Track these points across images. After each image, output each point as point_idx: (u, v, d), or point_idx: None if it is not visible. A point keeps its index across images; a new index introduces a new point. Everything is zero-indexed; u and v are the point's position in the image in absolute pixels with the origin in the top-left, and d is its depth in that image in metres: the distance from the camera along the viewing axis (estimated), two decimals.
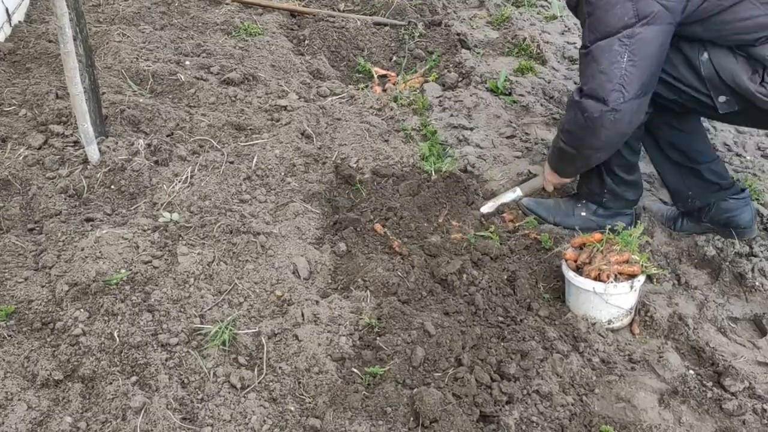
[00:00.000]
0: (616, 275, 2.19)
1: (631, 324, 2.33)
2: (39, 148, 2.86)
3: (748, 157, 3.29)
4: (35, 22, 4.02)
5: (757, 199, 2.97)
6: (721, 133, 3.49)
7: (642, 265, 2.22)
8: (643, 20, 2.17)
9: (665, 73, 2.34)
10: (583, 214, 2.76)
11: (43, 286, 2.21)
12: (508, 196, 2.84)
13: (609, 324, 2.27)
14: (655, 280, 2.48)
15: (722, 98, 2.32)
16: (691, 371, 2.15)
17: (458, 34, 4.32)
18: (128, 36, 3.87)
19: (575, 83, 3.86)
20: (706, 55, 2.30)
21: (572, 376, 2.08)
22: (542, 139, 3.33)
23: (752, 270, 2.56)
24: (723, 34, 2.25)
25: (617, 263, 2.20)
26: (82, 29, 2.70)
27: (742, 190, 2.71)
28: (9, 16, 3.78)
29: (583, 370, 2.10)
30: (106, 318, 2.06)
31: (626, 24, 2.18)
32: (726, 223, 2.68)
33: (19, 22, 3.93)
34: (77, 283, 2.17)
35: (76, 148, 2.84)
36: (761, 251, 2.65)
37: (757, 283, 2.52)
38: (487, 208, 2.79)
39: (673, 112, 2.52)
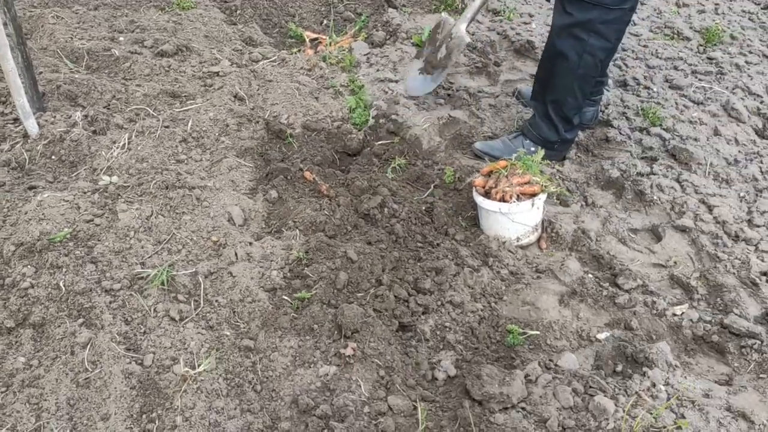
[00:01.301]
0: (518, 195, 2.41)
1: (539, 240, 2.56)
2: None
3: (654, 89, 3.53)
4: None
5: (660, 125, 3.22)
6: (632, 70, 3.73)
7: (542, 185, 2.44)
8: None
9: None
10: (533, 149, 2.85)
11: None
12: (473, 6, 3.06)
13: (518, 241, 2.50)
14: (556, 198, 2.70)
15: None
16: (590, 275, 2.40)
17: None
18: (62, 18, 3.96)
19: (498, 33, 4.07)
20: None
21: (483, 287, 2.31)
22: (464, 87, 3.53)
23: (651, 186, 2.81)
24: None
25: (519, 185, 2.42)
26: (10, 8, 2.82)
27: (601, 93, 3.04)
28: None
29: (492, 281, 2.33)
30: (51, 271, 2.23)
31: None
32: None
33: None
34: (23, 243, 2.33)
35: (16, 124, 2.97)
36: (660, 170, 2.90)
37: (655, 198, 2.77)
38: (459, 23, 3.04)
39: None
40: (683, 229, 2.61)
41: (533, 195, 2.43)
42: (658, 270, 2.48)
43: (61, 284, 2.19)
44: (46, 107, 3.06)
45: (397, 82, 3.55)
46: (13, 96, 2.79)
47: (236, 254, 2.35)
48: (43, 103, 3.05)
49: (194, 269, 2.30)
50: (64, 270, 2.24)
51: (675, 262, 2.49)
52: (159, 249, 2.39)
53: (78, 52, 3.57)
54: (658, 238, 2.63)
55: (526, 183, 2.43)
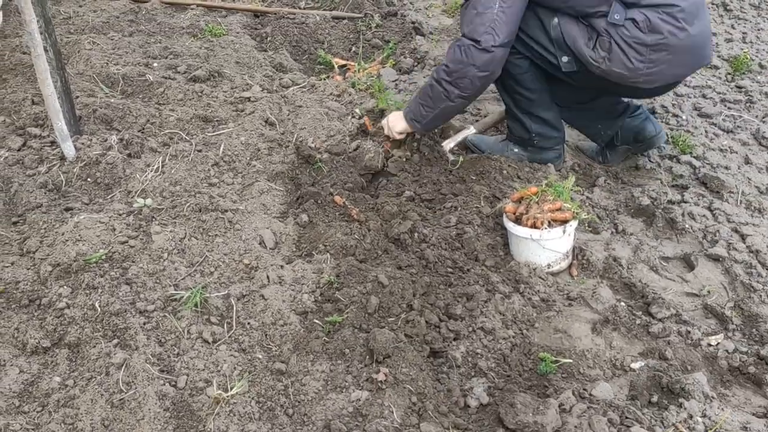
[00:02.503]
0: (549, 222, 2.41)
1: (570, 267, 2.55)
2: (18, 150, 3.06)
3: (684, 117, 3.52)
4: (9, 36, 4.20)
5: (690, 153, 3.21)
6: (661, 97, 3.72)
7: (573, 211, 2.44)
8: None
9: (522, 32, 2.73)
10: (516, 150, 3.10)
11: (28, 269, 2.41)
12: (463, 133, 3.18)
13: (548, 268, 2.49)
14: (587, 225, 2.69)
15: (565, 58, 2.73)
16: (622, 303, 2.38)
17: (413, 23, 4.54)
18: (98, 44, 4.06)
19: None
20: (556, 20, 2.70)
21: (514, 313, 2.30)
22: (491, 113, 3.55)
23: (682, 215, 2.79)
24: (570, 4, 2.64)
25: (550, 211, 2.42)
26: (51, 34, 2.90)
27: (638, 107, 3.05)
28: None
29: (524, 308, 2.32)
30: (87, 291, 2.26)
31: None
32: (636, 139, 3.04)
33: None
34: (59, 264, 2.37)
35: (53, 147, 3.04)
36: (690, 198, 2.88)
37: (686, 226, 2.75)
38: (447, 143, 3.13)
39: (547, 73, 2.88)
40: (716, 258, 2.59)
41: (564, 222, 2.43)
42: (692, 299, 2.46)
43: (97, 305, 2.22)
44: (82, 130, 3.13)
45: None
46: (52, 119, 2.86)
47: (268, 277, 2.37)
48: (79, 127, 3.12)
49: (227, 291, 2.32)
50: (99, 291, 2.27)
51: (708, 292, 2.47)
52: (192, 271, 2.42)
53: (113, 77, 3.65)
54: (691, 266, 2.61)
55: (557, 210, 2.43)
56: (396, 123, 3.00)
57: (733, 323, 2.32)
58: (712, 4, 4.93)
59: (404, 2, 5.08)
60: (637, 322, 2.30)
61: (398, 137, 3.06)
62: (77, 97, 3.40)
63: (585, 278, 2.52)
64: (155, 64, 3.86)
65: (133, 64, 3.83)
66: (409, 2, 5.12)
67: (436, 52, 4.18)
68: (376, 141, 3.15)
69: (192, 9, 4.77)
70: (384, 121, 3.11)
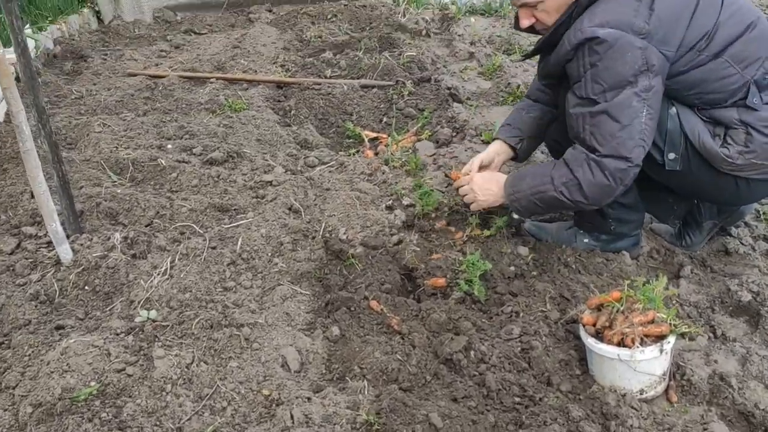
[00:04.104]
0: (642, 338, 1.92)
1: (666, 391, 2.05)
2: (11, 253, 2.71)
3: None
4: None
5: None
6: None
7: (671, 323, 1.96)
8: (652, 69, 2.14)
9: None
10: (586, 240, 2.66)
11: (5, 410, 2.00)
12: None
13: (641, 394, 1.99)
14: (688, 337, 2.20)
15: (672, 155, 2.32)
16: None
17: (449, 89, 4.17)
18: (109, 125, 3.76)
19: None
20: (674, 109, 2.29)
21: None
22: None
23: None
24: (695, 92, 2.26)
25: (642, 324, 1.94)
26: (45, 125, 2.56)
27: None
28: None
29: None
30: None
31: (636, 72, 2.13)
32: (720, 210, 2.60)
33: None
34: (41, 404, 1.95)
35: (50, 249, 2.67)
36: None
37: None
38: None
39: None
40: None
41: (661, 338, 1.94)
42: None
43: None
44: (83, 227, 2.76)
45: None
46: (45, 220, 2.50)
47: (292, 416, 1.91)
48: (80, 224, 2.76)
49: None
50: None
51: None
52: (200, 407, 1.98)
53: (123, 162, 3.32)
54: None
55: (650, 322, 1.95)
56: (488, 195, 2.59)
57: None
58: None
59: (437, 66, 4.74)
60: None
61: (478, 208, 2.67)
62: (81, 187, 3.07)
63: (687, 405, 2.02)
64: (169, 146, 3.53)
65: (146, 147, 3.50)
66: (443, 66, 4.79)
67: (476, 120, 3.79)
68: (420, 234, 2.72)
69: (211, 83, 4.49)
70: (471, 185, 2.64)
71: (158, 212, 2.92)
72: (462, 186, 2.68)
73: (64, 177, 2.65)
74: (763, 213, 2.82)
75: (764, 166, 2.29)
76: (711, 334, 2.30)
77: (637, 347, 1.91)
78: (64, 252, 2.56)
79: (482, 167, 2.71)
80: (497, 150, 2.75)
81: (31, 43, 4.75)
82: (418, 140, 3.66)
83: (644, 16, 2.13)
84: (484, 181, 2.61)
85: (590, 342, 2.00)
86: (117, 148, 3.48)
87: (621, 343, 1.95)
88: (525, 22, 2.39)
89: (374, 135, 3.83)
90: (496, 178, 2.59)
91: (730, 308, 2.40)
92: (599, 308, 2.08)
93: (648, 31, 2.12)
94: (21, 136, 2.36)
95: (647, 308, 1.97)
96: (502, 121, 2.85)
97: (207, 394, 2.02)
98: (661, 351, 1.93)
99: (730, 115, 2.26)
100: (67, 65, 5.02)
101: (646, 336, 1.94)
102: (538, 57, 2.54)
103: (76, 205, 2.85)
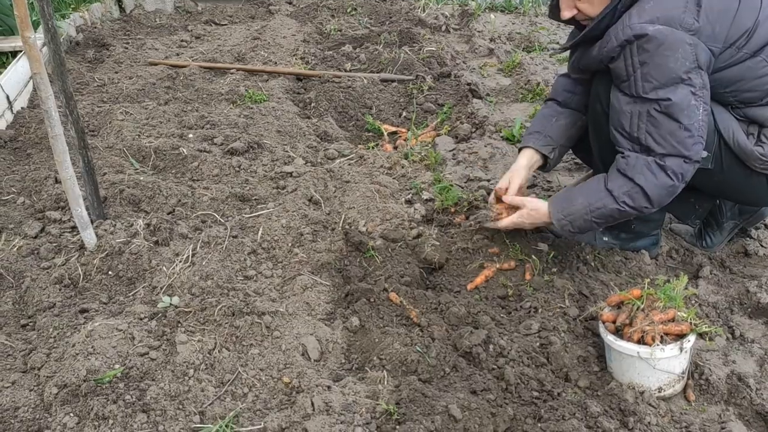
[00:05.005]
0: (662, 336, 1.93)
1: (684, 389, 2.05)
2: (35, 237, 2.74)
3: None
4: (38, 106, 3.97)
5: None
6: None
7: (691, 322, 1.96)
8: (702, 65, 2.13)
9: None
10: (606, 239, 2.64)
11: (31, 390, 2.03)
12: None
13: (659, 392, 2.00)
14: (707, 337, 2.21)
15: (704, 153, 2.26)
16: None
17: (468, 84, 4.18)
18: (131, 113, 3.80)
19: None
20: (709, 107, 2.23)
21: None
22: (565, 186, 3.11)
23: None
24: (731, 90, 2.24)
25: (662, 322, 1.95)
26: (72, 111, 2.60)
27: None
28: (10, 103, 3.75)
29: None
30: (96, 423, 1.86)
31: (688, 69, 2.11)
32: (741, 210, 2.61)
33: (22, 108, 3.89)
34: (67, 385, 1.98)
35: (74, 233, 2.71)
36: None
37: None
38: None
39: None
40: None
41: (681, 336, 1.95)
42: None
43: None
44: (107, 214, 2.80)
45: (489, 181, 3.17)
46: (71, 205, 2.53)
47: (312, 403, 1.93)
48: (104, 210, 2.79)
49: (262, 424, 1.89)
50: (110, 421, 1.87)
51: None
52: (222, 393, 2.01)
53: (145, 150, 3.36)
54: None
55: (670, 320, 1.96)
56: (532, 219, 2.47)
57: None
58: None
59: (457, 62, 4.74)
60: None
61: (511, 227, 2.55)
62: (105, 173, 3.11)
63: (705, 404, 2.02)
64: (191, 135, 3.56)
65: (167, 135, 3.53)
66: (462, 62, 4.79)
67: (495, 117, 3.79)
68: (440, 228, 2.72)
69: (232, 73, 4.51)
70: (519, 216, 2.49)
71: (180, 200, 2.95)
72: (500, 213, 2.55)
73: (89, 163, 2.69)
74: None
75: None
76: (729, 335, 2.30)
77: (657, 345, 1.92)
78: (89, 237, 2.59)
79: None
80: (528, 161, 2.63)
81: None
82: (438, 135, 3.67)
83: (693, 12, 2.09)
84: (534, 209, 2.47)
85: (610, 339, 2.01)
86: (139, 136, 3.52)
87: (641, 341, 1.95)
88: (566, 13, 2.30)
89: (393, 129, 3.85)
90: (544, 209, 2.44)
91: (749, 309, 2.40)
92: (619, 306, 2.09)
93: (697, 28, 2.09)
94: (50, 121, 2.39)
95: (668, 307, 1.98)
96: (529, 128, 2.74)
97: (229, 380, 2.05)
98: (681, 350, 1.94)
99: (765, 114, 2.25)
100: (89, 53, 5.06)
101: (666, 334, 1.94)
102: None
103: (100, 192, 2.89)
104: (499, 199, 2.56)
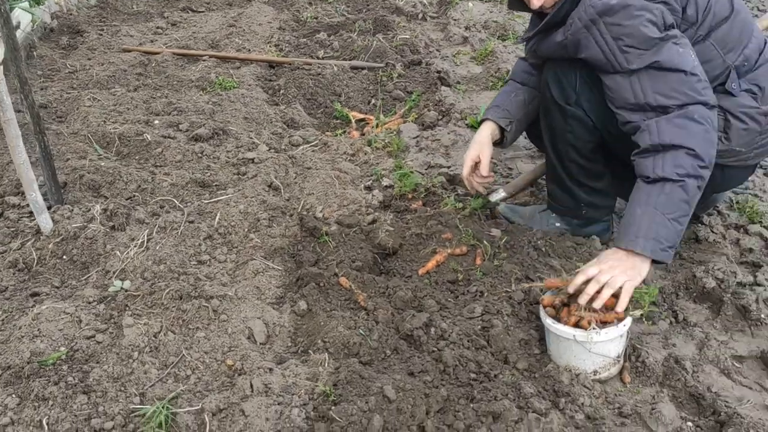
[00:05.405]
0: (598, 321, 1.96)
1: (621, 372, 2.08)
2: None
3: (751, 177, 3.04)
4: None
5: (760, 222, 2.73)
6: None
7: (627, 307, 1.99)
8: (671, 27, 2.11)
9: (610, 102, 2.26)
10: (558, 224, 2.68)
11: None
12: (492, 197, 2.81)
13: (595, 375, 2.03)
14: (645, 319, 2.23)
15: (715, 99, 2.19)
16: (689, 423, 1.90)
17: (438, 72, 4.19)
18: (99, 100, 3.81)
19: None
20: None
21: None
22: (520, 173, 3.14)
23: (756, 301, 2.31)
24: None
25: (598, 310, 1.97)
26: (28, 95, 2.61)
27: None
28: None
29: (565, 429, 1.86)
30: (36, 404, 1.88)
31: (660, 29, 2.08)
32: None
33: None
34: (10, 366, 2.01)
35: (31, 218, 2.72)
36: (766, 279, 2.40)
37: (762, 316, 2.27)
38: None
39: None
40: None
41: (616, 320, 1.97)
42: None
43: (44, 422, 1.84)
44: (65, 199, 2.81)
45: (449, 167, 3.19)
46: (25, 190, 2.55)
47: (252, 385, 1.96)
48: (62, 195, 2.81)
49: (200, 405, 1.91)
50: (50, 403, 1.89)
51: None
52: (164, 375, 2.03)
53: (109, 136, 3.37)
54: None
55: (608, 307, 1.98)
56: (635, 272, 2.00)
57: None
58: None
59: (430, 50, 4.75)
60: None
61: (630, 294, 2.00)
62: (68, 159, 3.12)
63: (640, 386, 2.05)
64: (156, 122, 3.57)
65: (133, 122, 3.54)
66: (436, 50, 4.80)
67: (462, 104, 3.80)
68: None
69: (204, 60, 4.51)
70: (601, 278, 1.98)
71: (140, 186, 2.97)
72: (582, 288, 2.01)
73: (46, 148, 2.70)
74: (737, 202, 2.84)
75: (740, 153, 2.31)
76: (673, 319, 2.33)
77: (593, 329, 1.95)
78: (44, 221, 2.61)
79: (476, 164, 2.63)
80: (486, 136, 2.62)
81: (27, 17, 4.79)
82: (404, 122, 3.68)
83: None
84: (616, 262, 2.03)
85: (548, 322, 2.03)
86: (105, 122, 3.53)
87: (578, 326, 1.98)
88: (536, 2, 2.25)
89: (361, 116, 3.86)
90: (620, 256, 2.04)
91: (695, 294, 2.43)
92: (560, 290, 2.12)
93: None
94: (1, 105, 2.40)
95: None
96: (490, 103, 2.77)
97: (172, 363, 2.08)
98: (617, 333, 1.96)
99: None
100: (63, 40, 5.05)
101: (602, 322, 1.97)
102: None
103: (60, 177, 2.91)
104: (471, 174, 2.65)
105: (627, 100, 2.15)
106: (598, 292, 1.97)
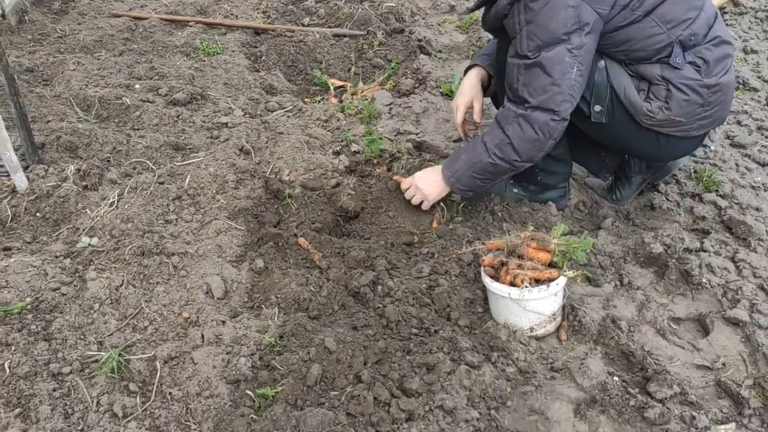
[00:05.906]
0: (531, 280, 2.04)
1: (558, 330, 2.18)
2: None
3: (712, 147, 3.10)
4: None
5: (716, 191, 2.79)
6: None
7: (559, 267, 2.07)
8: (585, 27, 2.20)
9: None
10: (515, 190, 2.76)
11: None
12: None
13: (531, 331, 2.13)
14: (581, 279, 2.31)
15: (597, 108, 2.39)
16: (615, 378, 1.99)
17: (419, 40, 4.22)
18: (83, 64, 3.88)
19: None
20: (603, 63, 2.35)
21: (483, 388, 1.94)
22: None
23: (700, 266, 2.39)
24: (623, 49, 2.31)
25: (533, 267, 2.06)
26: (1, 58, 2.69)
27: None
28: None
29: (495, 382, 1.96)
30: (0, 349, 2.01)
31: (569, 30, 2.19)
32: (649, 165, 2.72)
33: None
34: None
35: (9, 177, 2.82)
36: (711, 245, 2.47)
37: (704, 280, 2.35)
38: None
39: None
40: (736, 322, 2.18)
41: (550, 280, 2.06)
42: (702, 373, 2.05)
43: (6, 365, 1.96)
44: (42, 159, 2.91)
45: (417, 134, 3.25)
46: (0, 149, 2.64)
47: (203, 336, 2.07)
48: (40, 155, 2.90)
49: (153, 353, 2.03)
50: (13, 348, 2.01)
51: (724, 364, 2.06)
52: (123, 325, 2.15)
53: (90, 100, 3.45)
54: (706, 331, 2.21)
55: (543, 264, 2.07)
56: (433, 187, 2.57)
57: (749, 407, 1.91)
58: (755, 17, 4.46)
59: (416, 18, 4.77)
60: (631, 403, 1.91)
61: (429, 205, 2.63)
62: (48, 121, 3.21)
63: (575, 344, 2.15)
64: (137, 86, 3.64)
65: (114, 86, 3.61)
66: (421, 18, 4.81)
67: (439, 72, 3.85)
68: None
69: (191, 26, 4.56)
70: (410, 185, 2.63)
71: (115, 148, 3.06)
72: (407, 189, 2.64)
73: (21, 109, 2.78)
74: (694, 171, 2.89)
75: (682, 123, 2.37)
76: (617, 282, 2.42)
77: (525, 287, 2.03)
78: (19, 180, 2.71)
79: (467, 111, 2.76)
80: (477, 81, 2.74)
81: None
82: (380, 90, 3.74)
83: None
84: (425, 174, 2.60)
85: (487, 281, 2.12)
86: (87, 85, 3.60)
87: (513, 284, 2.07)
88: None
89: (341, 83, 3.91)
90: (435, 168, 2.59)
91: (642, 259, 2.50)
92: (499, 250, 2.20)
93: None
94: None
95: (539, 250, 2.08)
96: (479, 52, 2.85)
97: (131, 314, 2.19)
98: (549, 292, 2.05)
99: (654, 71, 2.32)
100: (55, 4, 5.10)
101: (537, 280, 2.06)
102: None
103: (39, 138, 3.00)
104: (465, 121, 2.74)
105: (509, 77, 2.33)
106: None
